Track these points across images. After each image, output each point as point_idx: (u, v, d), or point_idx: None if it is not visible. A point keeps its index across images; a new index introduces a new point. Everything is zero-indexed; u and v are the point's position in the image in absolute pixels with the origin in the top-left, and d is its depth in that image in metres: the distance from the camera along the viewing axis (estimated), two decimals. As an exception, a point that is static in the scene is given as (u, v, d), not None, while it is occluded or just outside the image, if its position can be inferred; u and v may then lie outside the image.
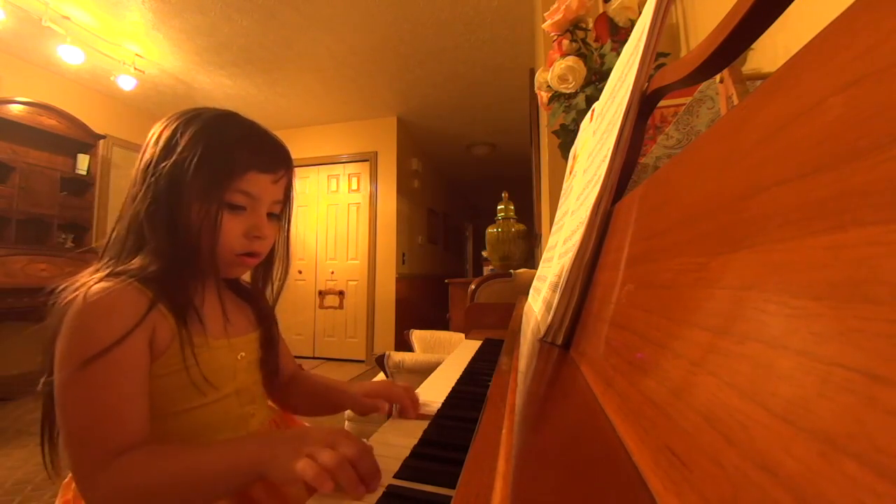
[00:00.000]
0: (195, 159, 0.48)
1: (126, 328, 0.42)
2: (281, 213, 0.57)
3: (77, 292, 0.43)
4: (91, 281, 0.44)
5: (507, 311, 1.26)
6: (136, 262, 0.47)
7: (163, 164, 0.48)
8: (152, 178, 0.48)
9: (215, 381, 0.50)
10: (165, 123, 0.51)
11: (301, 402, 0.66)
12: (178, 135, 0.49)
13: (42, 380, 0.43)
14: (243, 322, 0.58)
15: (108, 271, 0.46)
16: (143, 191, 0.48)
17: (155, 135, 0.51)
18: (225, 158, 0.49)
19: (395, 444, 0.45)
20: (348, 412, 1.42)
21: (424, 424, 0.48)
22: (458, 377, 0.70)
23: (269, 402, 0.63)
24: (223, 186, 0.49)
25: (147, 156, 0.50)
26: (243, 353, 0.55)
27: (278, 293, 0.63)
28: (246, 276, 0.62)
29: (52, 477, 0.47)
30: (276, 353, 0.60)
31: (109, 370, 0.41)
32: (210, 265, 0.51)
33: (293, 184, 0.58)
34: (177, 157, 0.48)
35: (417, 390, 0.65)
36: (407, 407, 0.56)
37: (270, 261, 0.61)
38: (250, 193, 0.51)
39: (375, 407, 0.57)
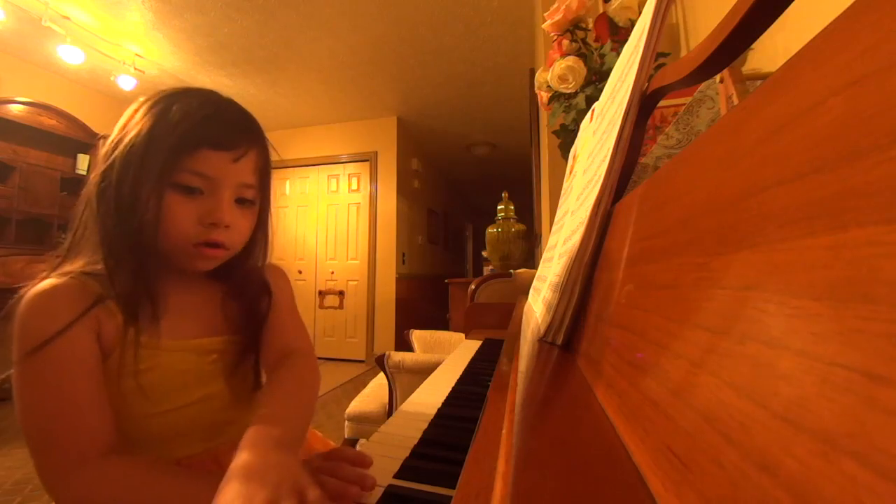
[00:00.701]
0: (141, 137, 0.43)
1: (60, 325, 0.39)
2: (255, 198, 0.49)
3: (23, 293, 0.41)
4: (38, 279, 0.42)
5: (507, 311, 1.26)
6: (86, 257, 0.44)
7: (114, 147, 0.44)
8: (104, 164, 0.44)
9: (172, 386, 0.46)
10: (130, 108, 0.47)
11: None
12: (137, 117, 0.45)
13: (3, 377, 0.41)
14: (221, 321, 0.51)
15: (58, 269, 0.44)
16: (95, 175, 0.44)
17: (119, 123, 0.46)
18: (171, 133, 0.43)
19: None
20: (348, 412, 1.43)
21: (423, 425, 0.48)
22: (458, 377, 0.70)
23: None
24: (170, 165, 0.42)
25: (108, 142, 0.45)
26: (216, 356, 0.50)
27: None
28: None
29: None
30: (252, 360, 0.53)
31: (47, 369, 0.39)
32: (165, 256, 0.46)
33: (268, 165, 0.51)
34: (127, 137, 0.43)
35: (417, 390, 0.65)
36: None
37: (248, 254, 0.53)
38: (204, 174, 0.44)
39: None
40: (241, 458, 0.32)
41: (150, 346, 0.44)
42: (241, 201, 0.48)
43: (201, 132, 0.44)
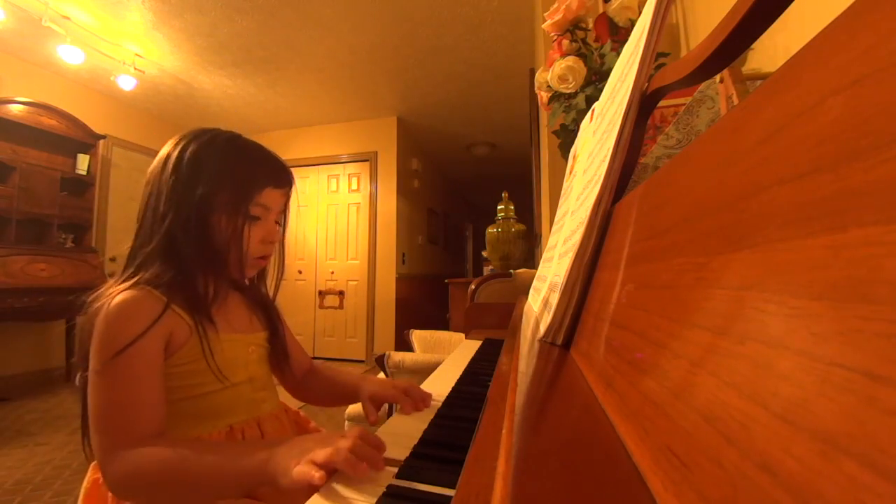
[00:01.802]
0: (224, 180, 0.57)
1: (141, 330, 0.49)
2: (280, 220, 0.65)
3: (104, 300, 0.51)
4: (116, 291, 0.52)
5: (507, 311, 1.26)
6: (155, 270, 0.55)
7: (192, 185, 0.56)
8: (182, 198, 0.55)
9: (229, 369, 0.57)
10: (182, 144, 0.58)
11: (318, 395, 0.73)
12: (203, 157, 0.57)
13: (78, 374, 0.51)
14: (252, 321, 0.66)
15: (131, 281, 0.54)
16: (173, 209, 0.55)
17: (173, 156, 0.57)
18: (249, 178, 0.59)
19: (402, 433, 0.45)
20: (348, 412, 1.43)
21: (423, 425, 0.48)
22: (458, 377, 0.70)
23: (280, 400, 0.69)
24: (248, 201, 0.58)
25: (169, 174, 0.56)
26: (253, 347, 0.63)
27: (276, 292, 0.72)
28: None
29: (89, 459, 0.54)
30: (283, 348, 0.69)
31: (126, 366, 0.48)
32: (237, 269, 0.60)
33: (290, 200, 0.67)
34: (206, 178, 0.56)
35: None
36: (406, 407, 0.57)
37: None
38: (266, 206, 0.60)
39: (367, 415, 0.61)
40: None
41: (214, 339, 0.56)
42: (276, 223, 0.64)
43: (269, 175, 0.61)
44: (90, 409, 0.48)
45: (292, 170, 0.64)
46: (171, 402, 0.53)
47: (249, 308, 0.67)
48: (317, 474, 0.37)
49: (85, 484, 0.55)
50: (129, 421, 0.47)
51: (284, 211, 0.66)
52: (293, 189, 0.66)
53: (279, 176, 0.62)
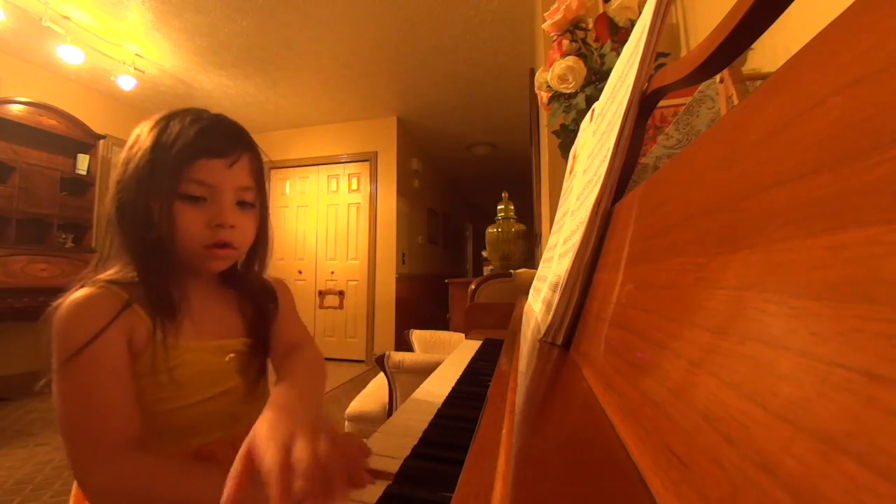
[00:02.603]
0: (146, 157, 0.49)
1: (96, 330, 0.44)
2: (255, 201, 0.55)
3: (62, 299, 0.46)
4: (74, 288, 0.47)
5: (507, 311, 1.26)
6: (114, 266, 0.50)
7: (125, 169, 0.50)
8: (119, 184, 0.50)
9: (197, 382, 0.51)
10: (140, 129, 0.52)
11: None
12: (144, 134, 0.50)
13: (42, 381, 0.46)
14: (237, 324, 0.58)
15: (90, 277, 0.49)
16: (112, 194, 0.50)
17: (129, 142, 0.52)
18: (171, 150, 0.48)
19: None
20: (348, 411, 1.43)
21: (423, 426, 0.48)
22: (458, 377, 0.70)
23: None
24: (174, 178, 0.48)
25: (121, 163, 0.51)
26: (233, 355, 0.55)
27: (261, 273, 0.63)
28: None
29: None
30: (261, 361, 0.59)
31: (86, 370, 0.43)
32: (181, 261, 0.51)
33: (262, 169, 0.57)
34: (134, 158, 0.49)
35: (417, 390, 0.66)
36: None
37: (254, 256, 0.59)
38: (204, 181, 0.49)
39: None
40: (268, 411, 0.36)
41: (175, 347, 0.49)
42: (242, 204, 0.53)
43: (197, 144, 0.49)
44: (57, 418, 0.43)
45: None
46: None
47: (238, 308, 0.58)
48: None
49: (73, 490, 0.52)
50: (97, 430, 0.43)
51: (256, 189, 0.54)
52: (254, 160, 0.54)
53: (215, 142, 0.50)
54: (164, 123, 0.50)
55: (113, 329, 0.45)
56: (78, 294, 0.46)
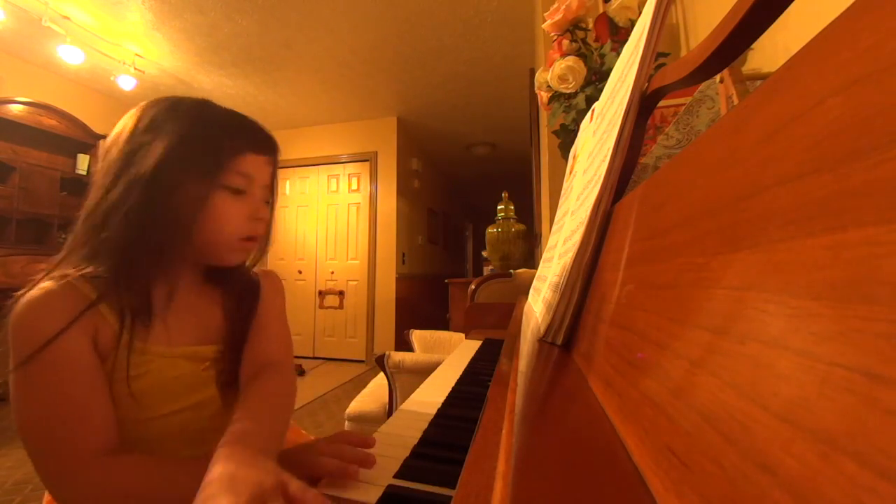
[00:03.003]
0: (176, 140, 0.45)
1: (55, 330, 0.40)
2: (270, 200, 0.55)
3: (18, 296, 0.41)
4: (33, 283, 0.43)
5: (507, 311, 1.26)
6: (84, 261, 0.45)
7: (147, 154, 0.45)
8: (132, 168, 0.44)
9: (162, 394, 0.46)
10: (139, 112, 0.48)
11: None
12: (161, 121, 0.46)
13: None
14: (217, 328, 0.53)
15: (54, 272, 0.44)
16: (120, 182, 0.45)
17: (128, 126, 0.47)
18: (220, 140, 0.47)
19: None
20: (348, 411, 1.43)
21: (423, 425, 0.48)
22: (458, 377, 0.70)
23: None
24: (221, 168, 0.47)
25: (122, 144, 0.46)
26: (209, 363, 0.50)
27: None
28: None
29: None
30: (234, 367, 0.52)
31: (47, 371, 0.39)
32: (215, 254, 0.49)
33: (276, 171, 0.57)
34: (167, 144, 0.45)
35: (417, 390, 0.65)
36: None
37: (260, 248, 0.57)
38: (248, 174, 0.49)
39: None
40: (215, 471, 0.31)
41: (142, 352, 0.45)
42: (265, 200, 0.53)
43: (246, 137, 0.50)
44: (17, 424, 0.39)
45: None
46: None
47: (221, 309, 0.54)
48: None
49: (45, 498, 0.48)
50: (63, 438, 0.39)
51: (272, 187, 0.55)
52: (277, 162, 0.55)
53: (260, 140, 0.51)
54: (196, 110, 0.49)
55: (74, 329, 0.40)
56: (37, 290, 0.41)
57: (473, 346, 1.01)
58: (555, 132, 1.10)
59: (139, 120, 0.47)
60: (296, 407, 0.59)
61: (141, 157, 0.45)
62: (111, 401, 0.42)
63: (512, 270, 1.69)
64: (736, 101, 0.47)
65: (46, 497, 0.48)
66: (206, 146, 0.47)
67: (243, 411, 0.42)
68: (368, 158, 4.14)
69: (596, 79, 0.97)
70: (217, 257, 0.50)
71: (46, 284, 0.42)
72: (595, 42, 0.99)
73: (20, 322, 0.40)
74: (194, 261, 0.52)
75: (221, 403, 0.51)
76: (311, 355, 4.15)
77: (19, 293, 0.41)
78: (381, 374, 1.48)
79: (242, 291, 0.56)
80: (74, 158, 3.12)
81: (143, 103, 0.49)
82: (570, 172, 0.73)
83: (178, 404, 0.47)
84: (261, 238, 0.53)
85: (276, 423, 0.45)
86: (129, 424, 0.44)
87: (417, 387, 0.67)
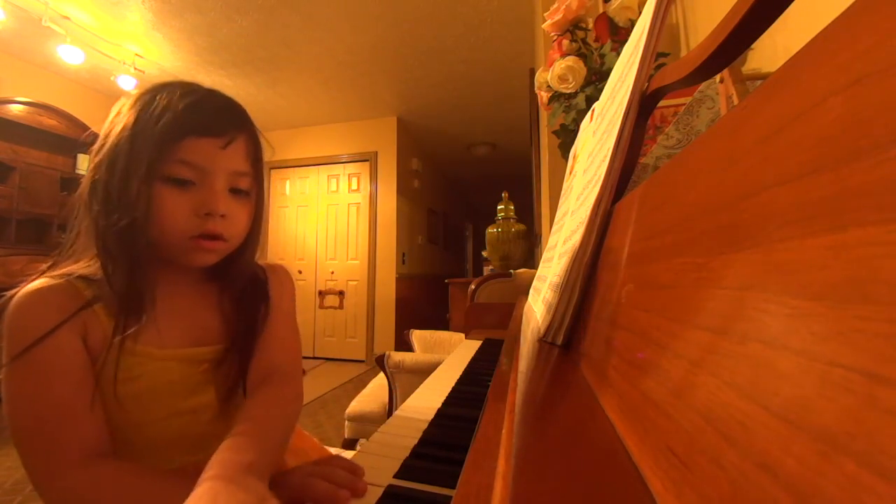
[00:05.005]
0: (126, 132, 0.42)
1: (47, 328, 0.39)
2: (251, 189, 0.48)
3: (13, 293, 0.41)
4: (28, 281, 0.42)
5: (507, 311, 1.26)
6: (80, 258, 0.44)
7: (101, 145, 0.43)
8: (93, 162, 0.43)
9: (162, 395, 0.44)
10: (118, 107, 0.46)
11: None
12: (119, 111, 0.44)
13: None
14: (220, 330, 0.50)
15: (51, 270, 0.43)
16: (90, 181, 0.43)
17: (107, 120, 0.45)
18: (155, 124, 0.42)
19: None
20: (348, 412, 1.43)
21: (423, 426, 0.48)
22: (458, 377, 0.70)
23: None
24: (157, 157, 0.41)
25: (98, 142, 0.45)
26: (207, 365, 0.48)
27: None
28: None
29: None
30: (244, 371, 0.50)
31: (34, 373, 0.39)
32: (176, 254, 0.45)
33: (260, 153, 0.50)
34: (113, 133, 0.43)
35: (417, 390, 0.65)
36: None
37: (244, 249, 0.51)
38: (193, 163, 0.43)
39: None
40: (199, 490, 0.30)
41: (136, 354, 0.43)
42: (235, 191, 0.46)
43: (185, 120, 0.42)
44: (7, 423, 0.39)
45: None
46: None
47: (219, 308, 0.51)
48: None
49: None
50: (50, 438, 0.38)
51: (252, 175, 0.48)
52: (253, 143, 0.48)
53: (207, 119, 0.44)
54: (150, 96, 0.44)
55: (68, 328, 0.40)
56: (31, 287, 0.41)
57: (473, 346, 1.01)
58: (555, 132, 1.10)
59: (112, 113, 0.45)
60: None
61: (109, 153, 0.43)
62: (101, 404, 0.41)
63: (512, 270, 1.69)
64: (736, 101, 0.47)
65: None
66: (143, 135, 0.42)
67: (243, 424, 0.40)
68: (368, 158, 4.14)
69: (596, 79, 0.97)
70: (178, 258, 0.46)
71: (41, 282, 0.41)
72: (595, 42, 0.99)
73: (14, 318, 0.39)
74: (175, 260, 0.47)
75: (220, 408, 0.48)
76: (311, 355, 4.15)
77: (13, 291, 0.41)
78: (382, 375, 1.48)
79: (245, 289, 0.52)
80: (74, 158, 3.12)
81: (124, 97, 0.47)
82: (570, 172, 0.73)
83: (175, 408, 0.45)
84: (233, 236, 0.47)
85: (276, 436, 0.43)
86: (123, 430, 0.43)
87: (418, 387, 0.67)
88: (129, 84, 3.03)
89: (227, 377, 0.49)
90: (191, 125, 0.43)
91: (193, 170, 0.43)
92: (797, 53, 0.14)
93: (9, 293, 0.41)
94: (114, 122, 0.44)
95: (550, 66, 1.00)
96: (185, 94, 0.44)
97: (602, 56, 0.96)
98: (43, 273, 0.43)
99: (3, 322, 0.39)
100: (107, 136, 0.44)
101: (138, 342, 0.43)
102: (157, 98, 0.43)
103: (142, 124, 0.42)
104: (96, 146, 0.44)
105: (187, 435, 0.46)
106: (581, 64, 0.95)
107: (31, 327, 0.39)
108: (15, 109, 2.71)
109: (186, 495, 0.30)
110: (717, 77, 0.52)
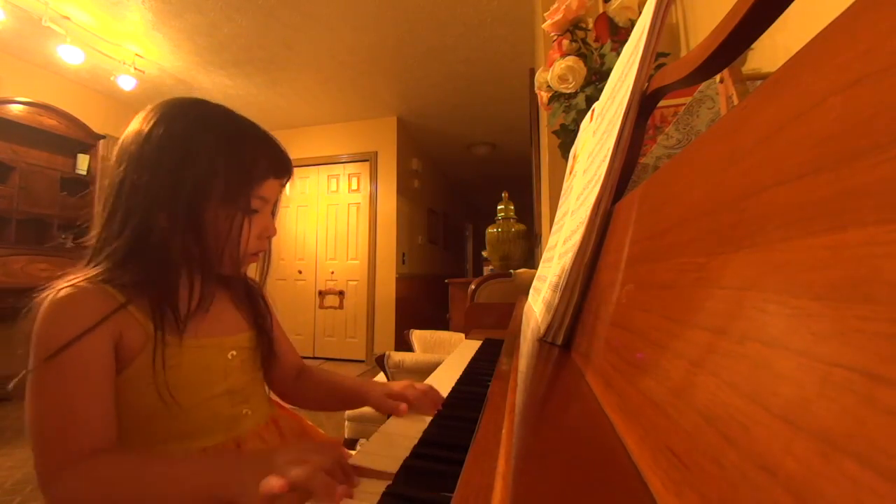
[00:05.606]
0: (222, 169, 0.49)
1: (81, 330, 0.42)
2: (275, 211, 0.59)
3: (47, 295, 0.44)
4: (62, 283, 0.45)
5: (507, 311, 1.26)
6: (122, 267, 0.47)
7: (182, 172, 0.48)
8: (169, 187, 0.47)
9: (197, 384, 0.50)
10: (166, 120, 0.49)
11: (313, 397, 0.67)
12: (195, 139, 0.49)
13: (15, 380, 0.44)
14: (235, 320, 0.58)
15: (88, 276, 0.46)
16: (156, 199, 0.47)
17: (156, 134, 0.48)
18: (251, 168, 0.51)
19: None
20: (348, 412, 1.43)
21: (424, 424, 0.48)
22: (458, 377, 0.69)
23: (276, 399, 0.64)
24: (248, 194, 0.51)
25: (150, 156, 0.48)
26: (234, 352, 0.55)
27: (263, 283, 0.64)
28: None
29: None
30: (270, 347, 0.60)
31: (65, 371, 0.41)
32: (231, 266, 0.53)
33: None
34: (201, 165, 0.48)
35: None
36: (425, 408, 0.55)
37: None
38: (265, 198, 0.53)
39: (395, 408, 0.55)
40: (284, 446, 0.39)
41: (176, 345, 0.48)
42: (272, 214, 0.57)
43: (271, 165, 0.53)
44: (26, 420, 0.41)
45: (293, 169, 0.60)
46: (128, 424, 0.45)
47: (234, 305, 0.59)
48: (277, 483, 0.32)
49: None
50: (67, 437, 0.41)
51: (278, 202, 0.59)
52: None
53: (281, 165, 0.55)
54: (231, 136, 0.51)
55: (100, 330, 0.43)
56: (64, 291, 0.44)
57: (473, 346, 1.01)
58: (555, 132, 1.10)
59: (167, 129, 0.49)
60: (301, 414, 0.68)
61: (177, 174, 0.47)
62: (114, 404, 0.44)
63: (512, 270, 1.69)
64: (736, 101, 0.47)
65: None
66: (236, 172, 0.50)
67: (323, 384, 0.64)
68: (368, 158, 4.14)
69: (596, 79, 0.97)
70: (221, 268, 0.53)
71: (76, 286, 0.44)
72: (595, 42, 0.99)
73: (49, 319, 0.42)
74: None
75: (249, 391, 0.56)
76: (311, 355, 4.15)
77: (46, 293, 0.44)
78: (382, 375, 1.48)
79: (247, 289, 0.61)
80: (74, 158, 3.12)
81: (164, 106, 0.51)
82: (570, 172, 0.73)
83: (211, 392, 0.51)
84: (264, 251, 0.58)
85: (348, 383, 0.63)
86: (168, 417, 0.47)
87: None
88: (129, 84, 3.03)
89: (251, 361, 0.58)
90: (274, 170, 0.54)
91: (263, 202, 0.53)
92: (797, 53, 0.14)
93: (41, 296, 0.44)
94: (175, 142, 0.48)
95: (550, 66, 1.00)
96: (266, 141, 0.55)
97: (602, 56, 0.96)
98: (72, 277, 0.46)
99: (36, 322, 0.42)
100: (177, 162, 0.48)
101: (175, 335, 0.48)
102: (243, 139, 0.52)
103: (234, 161, 0.50)
104: (151, 161, 0.48)
105: (224, 415, 0.52)
106: (581, 64, 0.95)
107: (65, 330, 0.42)
108: (15, 109, 2.71)
109: (181, 470, 0.38)
110: (717, 77, 0.52)
